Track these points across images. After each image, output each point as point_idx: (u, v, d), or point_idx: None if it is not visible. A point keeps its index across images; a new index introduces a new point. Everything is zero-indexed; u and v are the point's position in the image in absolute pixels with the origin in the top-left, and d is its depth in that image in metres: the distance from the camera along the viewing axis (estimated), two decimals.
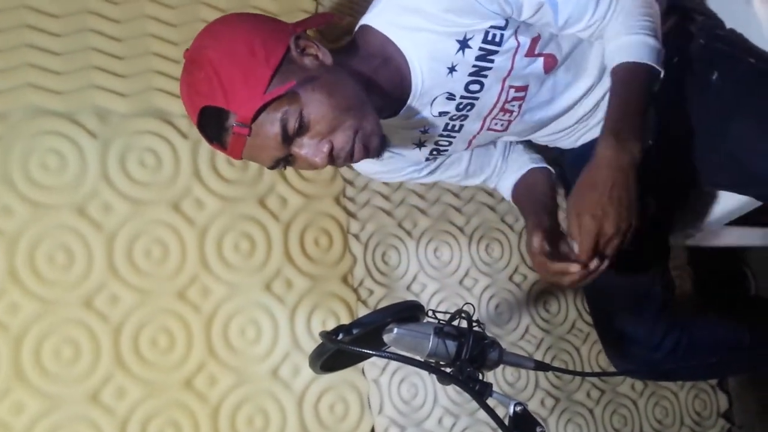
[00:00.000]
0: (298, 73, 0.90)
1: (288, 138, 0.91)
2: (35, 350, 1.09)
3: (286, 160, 0.95)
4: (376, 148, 0.97)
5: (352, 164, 1.03)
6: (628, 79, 1.00)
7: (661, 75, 1.01)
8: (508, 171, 1.31)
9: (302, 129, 0.91)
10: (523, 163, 1.30)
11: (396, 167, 1.24)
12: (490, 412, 0.75)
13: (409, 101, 1.05)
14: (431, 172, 1.27)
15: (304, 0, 1.38)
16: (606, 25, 1.04)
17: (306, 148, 0.92)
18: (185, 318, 1.20)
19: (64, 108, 1.17)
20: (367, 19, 1.04)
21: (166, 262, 1.20)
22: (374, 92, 0.99)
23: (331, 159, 0.93)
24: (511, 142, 1.32)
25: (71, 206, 1.15)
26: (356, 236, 1.38)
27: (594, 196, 0.96)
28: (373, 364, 1.35)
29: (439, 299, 1.44)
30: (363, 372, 1.34)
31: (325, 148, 0.92)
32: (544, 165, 1.31)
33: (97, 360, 1.13)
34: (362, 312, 1.35)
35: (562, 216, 1.15)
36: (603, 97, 1.18)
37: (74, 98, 1.18)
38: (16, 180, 1.12)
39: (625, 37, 1.01)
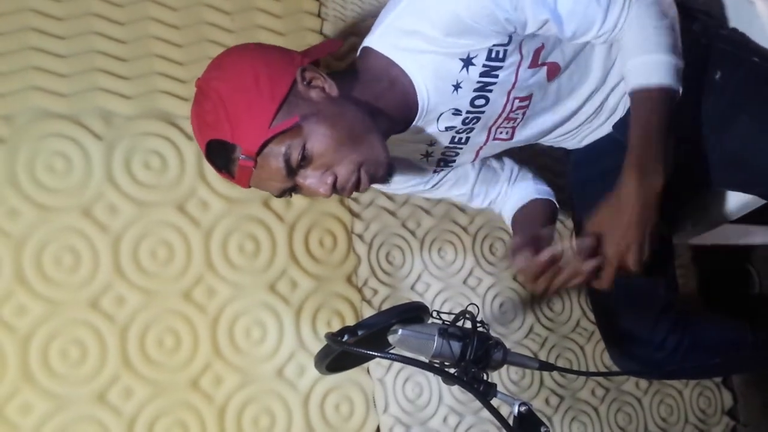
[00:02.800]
0: (302, 106, 0.92)
1: (292, 171, 0.93)
2: (42, 351, 1.10)
3: (293, 189, 0.97)
4: (382, 176, 0.99)
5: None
6: (648, 105, 0.99)
7: (680, 92, 1.00)
8: (512, 198, 1.31)
9: (305, 161, 0.93)
10: (528, 193, 1.30)
11: (401, 178, 1.24)
12: (495, 412, 0.75)
13: (415, 120, 1.06)
14: (435, 185, 1.27)
15: (306, 2, 1.39)
16: (618, 33, 1.02)
17: (310, 179, 0.94)
18: (191, 318, 1.21)
19: (69, 110, 1.17)
20: (369, 42, 1.04)
21: (171, 263, 1.21)
22: (381, 116, 1.00)
23: (335, 190, 0.95)
24: (519, 168, 1.32)
25: (77, 208, 1.15)
26: (360, 236, 1.39)
27: (620, 226, 0.97)
28: (378, 364, 1.35)
29: (443, 299, 1.45)
30: (368, 371, 1.35)
31: (329, 180, 0.94)
32: (549, 198, 1.30)
33: (103, 360, 1.14)
34: (367, 312, 1.36)
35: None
36: (607, 98, 1.19)
37: (79, 101, 1.18)
38: (23, 182, 1.12)
39: (642, 57, 0.99)
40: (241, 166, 0.91)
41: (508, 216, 1.31)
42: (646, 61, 0.99)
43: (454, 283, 1.47)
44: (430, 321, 0.87)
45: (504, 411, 0.76)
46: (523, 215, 1.27)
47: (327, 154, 0.92)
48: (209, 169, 1.25)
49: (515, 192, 1.31)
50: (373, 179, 0.97)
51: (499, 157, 1.31)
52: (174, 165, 1.23)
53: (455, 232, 1.49)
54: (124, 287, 1.17)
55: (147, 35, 1.26)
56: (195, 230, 1.23)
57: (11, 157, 1.12)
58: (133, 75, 1.23)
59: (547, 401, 1.52)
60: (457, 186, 1.29)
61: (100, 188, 1.17)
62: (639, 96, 1.00)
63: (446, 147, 1.15)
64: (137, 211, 1.20)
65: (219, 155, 0.94)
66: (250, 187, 0.96)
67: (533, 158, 1.46)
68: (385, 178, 1.00)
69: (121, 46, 1.23)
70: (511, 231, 1.31)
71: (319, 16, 1.40)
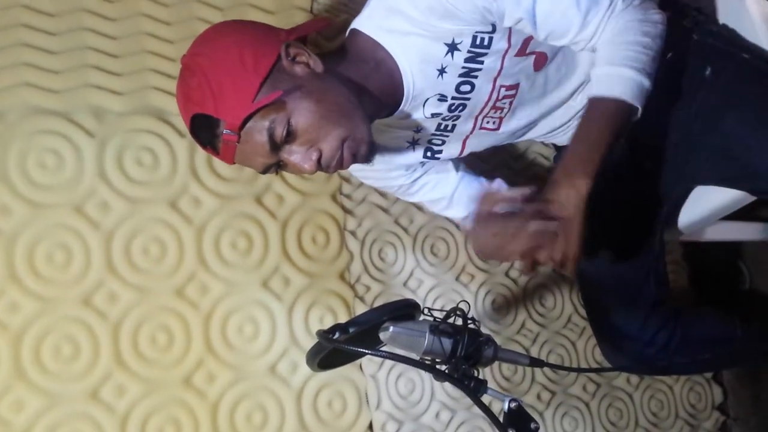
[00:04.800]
0: (286, 81, 0.92)
1: (276, 146, 0.92)
2: (35, 348, 1.10)
3: (277, 165, 0.96)
4: (363, 155, 0.98)
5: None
6: (595, 116, 0.97)
7: (639, 111, 0.97)
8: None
9: (290, 137, 0.92)
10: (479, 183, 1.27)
11: (386, 167, 1.22)
12: (485, 408, 0.76)
13: (402, 104, 1.06)
14: (416, 181, 1.24)
15: None
16: (596, 42, 1.01)
17: (294, 155, 0.94)
18: (183, 315, 1.21)
19: (61, 107, 1.17)
20: (357, 24, 1.04)
21: (164, 260, 1.21)
22: (366, 97, 1.00)
23: (320, 166, 0.95)
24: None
25: (69, 205, 1.15)
26: (353, 233, 1.39)
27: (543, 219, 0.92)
28: (371, 360, 1.36)
29: (435, 295, 1.45)
30: (361, 368, 1.35)
31: (314, 155, 0.93)
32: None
33: (96, 358, 1.14)
34: (359, 308, 1.36)
35: None
36: None
37: (71, 97, 1.18)
38: (14, 179, 1.12)
39: (608, 68, 0.98)
40: (224, 140, 0.91)
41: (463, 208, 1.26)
42: (610, 73, 0.97)
43: (447, 280, 1.47)
44: (421, 318, 0.87)
45: (495, 407, 0.77)
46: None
47: (311, 129, 0.92)
48: (201, 166, 1.26)
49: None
50: (355, 157, 0.96)
51: (491, 178, 1.29)
52: (166, 162, 1.23)
53: (448, 229, 1.49)
54: (116, 284, 1.17)
55: (138, 31, 1.25)
56: (187, 227, 1.23)
57: (2, 154, 1.12)
58: (125, 71, 1.23)
59: (538, 396, 1.53)
60: (439, 188, 1.25)
61: (92, 185, 1.17)
62: (593, 104, 0.98)
63: (432, 134, 1.15)
64: (129, 207, 1.19)
65: (204, 131, 0.93)
66: (234, 163, 0.96)
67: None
68: (366, 158, 0.99)
69: (112, 42, 1.23)
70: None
71: None
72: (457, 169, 1.26)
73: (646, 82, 0.97)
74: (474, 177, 1.27)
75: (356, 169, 1.27)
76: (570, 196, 0.92)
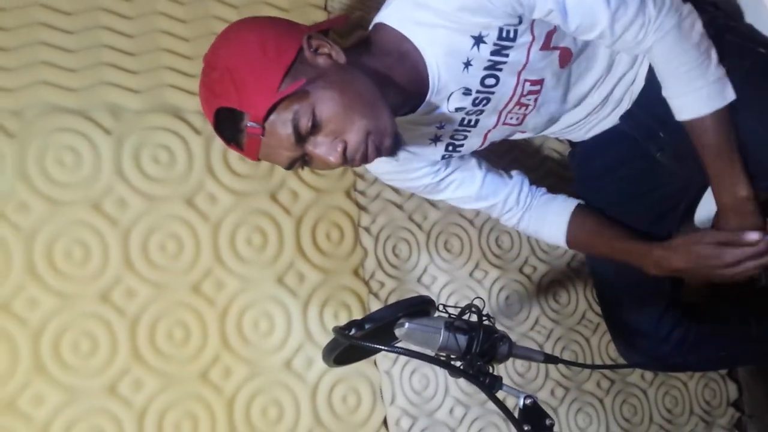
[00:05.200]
0: (309, 71, 0.90)
1: (301, 137, 0.91)
2: (54, 344, 1.11)
3: (302, 160, 0.95)
4: (388, 147, 0.96)
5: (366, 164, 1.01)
6: (713, 138, 1.05)
7: (733, 96, 1.04)
8: (542, 213, 1.29)
9: (315, 128, 0.91)
10: (563, 206, 1.28)
11: (411, 167, 1.22)
12: (500, 404, 0.76)
13: (427, 97, 1.05)
14: (443, 180, 1.24)
15: None
16: (633, 47, 1.03)
17: (320, 147, 0.92)
18: (200, 311, 1.22)
19: (78, 105, 1.18)
20: (381, 17, 1.04)
21: (180, 257, 1.22)
22: (391, 89, 0.98)
23: (345, 159, 0.93)
24: (530, 189, 1.30)
25: (87, 202, 1.16)
26: (367, 229, 1.39)
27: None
28: (385, 356, 1.36)
29: (449, 291, 1.46)
30: (375, 363, 1.36)
31: (339, 147, 0.91)
32: (577, 201, 1.29)
33: (114, 353, 1.15)
34: (374, 304, 1.37)
35: None
36: (613, 90, 1.18)
37: (88, 95, 1.19)
38: (33, 177, 1.13)
39: (688, 96, 1.04)
40: (249, 134, 0.89)
41: (560, 237, 1.28)
42: (697, 96, 1.03)
43: (461, 276, 1.47)
44: (436, 314, 0.87)
45: (510, 403, 0.77)
46: (588, 226, 1.26)
47: (336, 119, 0.91)
48: (217, 163, 1.27)
49: (544, 210, 1.29)
50: (379, 150, 0.95)
51: (507, 170, 1.30)
52: (182, 159, 1.24)
53: (461, 225, 1.49)
54: (133, 280, 1.18)
55: (154, 29, 1.26)
56: (203, 224, 1.24)
57: (21, 151, 1.13)
58: (141, 69, 1.24)
59: (552, 393, 1.53)
60: (464, 186, 1.26)
61: (110, 182, 1.18)
62: (702, 124, 1.05)
63: (455, 130, 1.14)
64: (146, 204, 1.21)
65: (227, 126, 0.92)
66: (259, 159, 0.94)
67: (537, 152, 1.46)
68: (391, 150, 0.97)
69: (129, 40, 1.24)
70: (566, 248, 1.31)
71: None
72: (480, 166, 1.26)
73: (722, 70, 1.04)
74: (496, 173, 1.28)
75: (381, 172, 1.26)
76: (741, 206, 1.06)
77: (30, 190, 1.13)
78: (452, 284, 1.46)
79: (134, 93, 1.22)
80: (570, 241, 1.27)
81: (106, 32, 1.22)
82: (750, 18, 1.19)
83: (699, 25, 1.03)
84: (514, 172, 1.30)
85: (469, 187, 1.26)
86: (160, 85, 1.24)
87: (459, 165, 1.24)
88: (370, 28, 1.07)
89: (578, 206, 1.27)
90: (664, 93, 1.06)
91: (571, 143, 1.40)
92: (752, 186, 1.06)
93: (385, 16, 1.03)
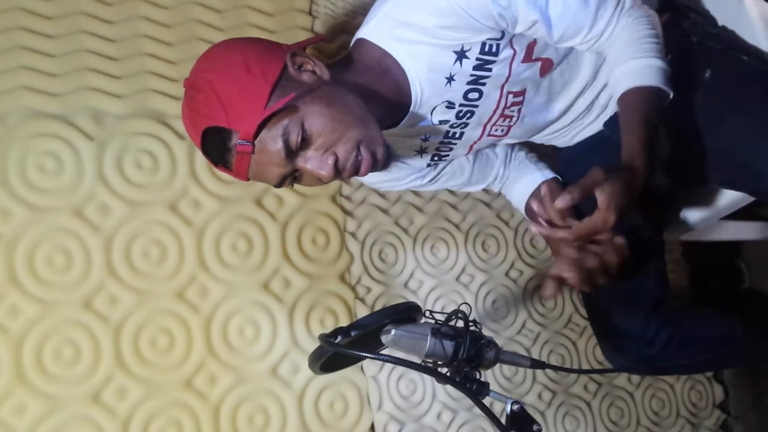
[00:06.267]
0: (296, 87, 0.91)
1: (291, 152, 0.91)
2: (36, 352, 1.10)
3: (292, 177, 0.95)
4: (382, 158, 0.96)
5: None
6: (638, 107, 0.99)
7: (670, 96, 1.01)
8: (513, 180, 1.31)
9: (305, 142, 0.91)
10: (533, 178, 1.28)
11: (399, 175, 1.24)
12: (487, 411, 0.76)
13: (409, 112, 1.05)
14: (433, 180, 1.27)
15: (298, 3, 1.39)
16: (605, 42, 1.03)
17: (310, 161, 0.92)
18: (184, 318, 1.21)
19: (60, 110, 1.17)
20: (362, 33, 1.04)
21: (164, 263, 1.21)
22: (374, 104, 0.99)
23: (337, 171, 0.93)
24: (513, 148, 1.33)
25: (69, 208, 1.15)
26: (353, 234, 1.39)
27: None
28: (372, 362, 1.36)
29: (436, 296, 1.45)
30: (362, 369, 1.35)
31: (330, 160, 0.91)
32: (553, 174, 1.29)
33: (97, 361, 1.14)
34: (360, 309, 1.36)
35: None
36: (598, 96, 1.19)
37: (70, 100, 1.18)
38: (14, 183, 1.12)
39: (633, 62, 1.00)
40: (239, 152, 0.89)
41: (519, 205, 1.30)
42: (639, 65, 0.99)
43: (447, 280, 1.47)
44: (422, 320, 0.87)
45: (497, 408, 0.77)
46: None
47: (326, 132, 0.91)
48: (201, 168, 1.26)
49: (519, 177, 1.30)
50: (374, 161, 0.95)
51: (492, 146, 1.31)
52: (165, 164, 1.23)
53: (447, 230, 1.49)
54: (117, 287, 1.17)
55: (137, 34, 1.25)
56: (187, 230, 1.23)
57: (2, 157, 1.12)
58: (124, 74, 1.23)
59: (540, 396, 1.53)
60: (454, 178, 1.30)
61: (92, 188, 1.17)
62: (632, 95, 1.00)
63: (440, 142, 1.15)
64: (129, 210, 1.19)
65: (215, 146, 0.91)
66: (249, 179, 0.94)
67: None
68: (385, 161, 0.97)
69: (111, 45, 1.23)
70: (526, 218, 1.31)
71: (310, 13, 1.39)
72: (468, 158, 1.28)
73: (669, 69, 1.01)
74: (483, 157, 1.30)
75: (369, 181, 1.28)
76: (635, 185, 0.93)
77: (11, 196, 1.11)
78: (439, 288, 1.46)
79: (117, 98, 1.21)
80: (526, 210, 1.29)
81: (88, 37, 1.21)
82: (732, 25, 1.20)
83: (660, 26, 1.06)
84: (498, 148, 1.32)
85: (459, 178, 1.30)
86: (143, 90, 1.23)
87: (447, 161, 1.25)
88: (351, 44, 1.07)
89: (542, 184, 1.26)
90: (612, 72, 1.03)
91: (556, 149, 1.40)
92: (652, 179, 0.98)
93: (366, 32, 1.03)
